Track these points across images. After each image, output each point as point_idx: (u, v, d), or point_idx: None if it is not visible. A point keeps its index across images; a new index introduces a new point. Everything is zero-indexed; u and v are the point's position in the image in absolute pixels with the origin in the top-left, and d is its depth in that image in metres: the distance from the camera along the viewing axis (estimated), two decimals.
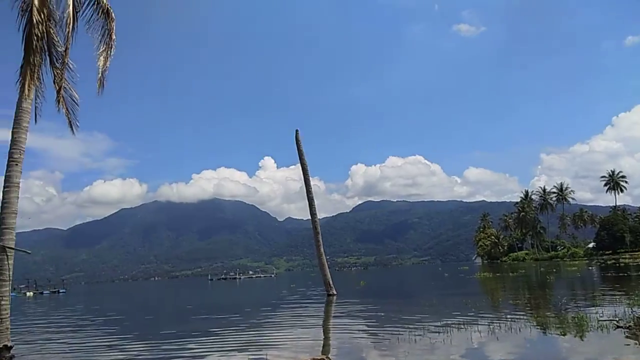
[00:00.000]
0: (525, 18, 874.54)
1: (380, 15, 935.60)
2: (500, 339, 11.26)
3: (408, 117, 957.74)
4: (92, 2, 14.19)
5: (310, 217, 34.56)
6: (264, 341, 13.71)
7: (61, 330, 20.73)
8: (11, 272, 12.63)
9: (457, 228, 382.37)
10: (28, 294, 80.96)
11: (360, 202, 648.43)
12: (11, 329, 12.55)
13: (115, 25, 14.29)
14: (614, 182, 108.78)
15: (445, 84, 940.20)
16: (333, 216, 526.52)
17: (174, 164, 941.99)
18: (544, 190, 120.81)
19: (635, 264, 51.97)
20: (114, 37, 14.14)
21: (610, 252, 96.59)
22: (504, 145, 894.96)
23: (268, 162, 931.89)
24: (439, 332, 12.55)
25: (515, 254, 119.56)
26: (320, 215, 33.92)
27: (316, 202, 34.35)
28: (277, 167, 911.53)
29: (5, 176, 12.73)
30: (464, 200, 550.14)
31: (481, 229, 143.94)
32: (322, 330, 16.39)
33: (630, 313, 12.79)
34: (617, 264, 53.69)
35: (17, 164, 12.83)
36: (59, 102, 13.91)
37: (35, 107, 13.80)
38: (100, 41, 14.02)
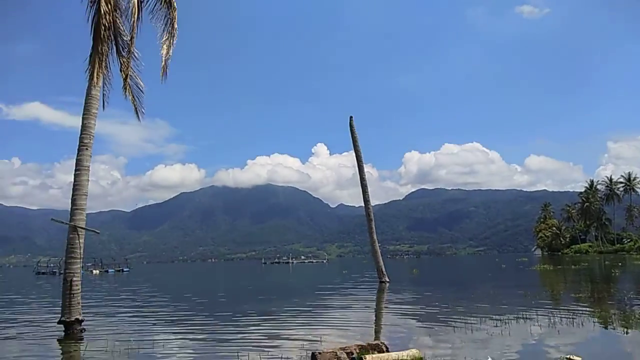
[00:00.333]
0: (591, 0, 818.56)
1: None
2: (561, 333, 10.82)
3: (466, 103, 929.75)
4: None
5: (363, 204, 34.48)
6: (318, 325, 13.88)
7: (127, 306, 21.99)
8: (82, 251, 13.48)
9: (516, 218, 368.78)
10: (94, 272, 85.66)
11: (413, 189, 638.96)
12: (81, 304, 13.40)
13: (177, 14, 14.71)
14: None
15: (506, 69, 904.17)
16: (385, 203, 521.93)
17: (230, 150, 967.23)
18: (611, 179, 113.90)
19: None
20: (176, 26, 14.57)
21: None
22: (568, 133, 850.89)
23: (321, 148, 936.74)
24: (496, 324, 12.22)
25: (578, 246, 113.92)
26: (373, 202, 33.69)
27: (369, 189, 34.20)
28: (330, 154, 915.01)
29: (77, 160, 13.50)
30: (524, 190, 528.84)
31: (542, 220, 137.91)
32: (374, 317, 16.42)
33: None
34: None
35: (87, 149, 13.59)
36: (125, 90, 14.55)
37: (103, 94, 14.51)
38: (163, 30, 14.49)
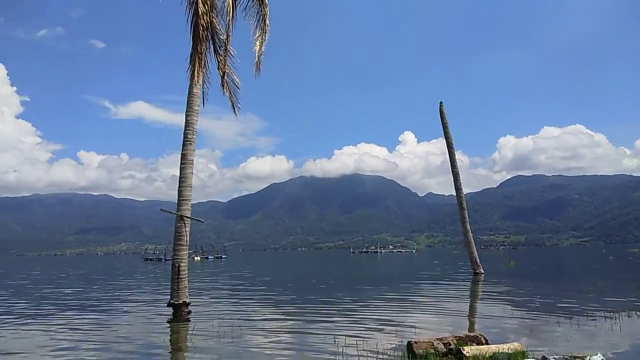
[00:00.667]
0: None
1: None
2: None
3: (566, 83, 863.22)
4: None
5: (453, 193, 33.42)
6: (410, 315, 13.81)
7: (228, 290, 23.40)
8: (188, 238, 14.50)
9: (625, 206, 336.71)
10: (196, 258, 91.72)
11: (509, 176, 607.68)
12: (187, 287, 14.44)
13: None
14: None
15: (611, 44, 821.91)
16: (478, 192, 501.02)
17: (317, 141, 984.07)
18: None
19: None
20: (267, 22, 15.06)
21: None
22: None
23: (408, 136, 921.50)
24: (605, 318, 11.39)
25: None
26: (465, 190, 32.56)
27: (460, 176, 33.04)
28: (418, 142, 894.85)
29: (182, 154, 14.51)
30: (634, 175, 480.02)
31: None
32: (468, 308, 15.95)
33: None
34: None
35: (190, 143, 14.55)
36: (223, 87, 15.36)
37: (203, 92, 15.39)
38: (256, 27, 15.05)
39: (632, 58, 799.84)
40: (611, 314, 11.88)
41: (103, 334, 11.49)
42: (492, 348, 7.68)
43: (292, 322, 12.92)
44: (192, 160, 14.56)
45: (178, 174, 14.38)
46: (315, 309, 15.17)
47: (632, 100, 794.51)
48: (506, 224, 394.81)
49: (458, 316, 13.67)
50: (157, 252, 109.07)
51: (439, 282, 26.29)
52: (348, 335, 10.15)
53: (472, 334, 8.43)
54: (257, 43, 14.95)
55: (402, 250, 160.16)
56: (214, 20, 15.14)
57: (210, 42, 15.36)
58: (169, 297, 14.15)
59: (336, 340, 9.15)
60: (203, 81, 15.23)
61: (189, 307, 14.02)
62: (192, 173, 14.53)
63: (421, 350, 7.57)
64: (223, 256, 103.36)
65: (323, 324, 12.10)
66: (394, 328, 11.16)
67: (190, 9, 14.55)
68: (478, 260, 31.06)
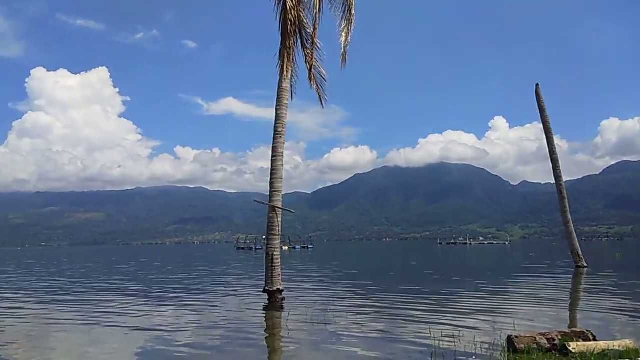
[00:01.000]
0: None
1: None
2: None
3: None
4: None
5: (550, 180, 31.38)
6: (508, 309, 13.27)
7: (318, 278, 23.98)
8: (280, 228, 15.03)
9: None
10: (284, 248, 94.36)
11: (613, 162, 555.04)
12: (281, 275, 14.99)
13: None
14: None
15: None
16: (578, 179, 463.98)
17: (400, 130, 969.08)
18: None
19: None
20: (353, 12, 15.05)
21: None
22: None
23: (499, 122, 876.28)
24: None
25: None
26: (564, 178, 30.43)
27: (559, 163, 30.87)
28: (510, 127, 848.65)
29: (272, 147, 15.03)
30: None
31: None
32: (569, 303, 15.02)
33: None
34: None
35: (280, 136, 15.02)
36: (310, 80, 15.64)
37: (291, 85, 15.76)
38: (342, 18, 15.12)
39: None
40: None
41: (214, 316, 12.76)
42: (601, 345, 7.18)
43: (385, 310, 12.98)
44: (282, 153, 15.01)
45: (266, 166, 14.89)
46: (408, 299, 15.15)
47: None
48: (610, 213, 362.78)
49: (559, 310, 12.93)
50: (249, 241, 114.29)
51: (537, 274, 24.94)
52: (442, 324, 10.01)
53: (578, 329, 7.95)
54: (343, 34, 15.01)
55: (494, 242, 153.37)
56: (301, 14, 15.37)
57: (298, 36, 15.63)
58: (263, 283, 14.78)
59: (432, 331, 9.04)
60: (291, 75, 15.58)
61: (283, 293, 14.53)
62: (283, 165, 15.00)
63: (523, 345, 7.28)
64: (310, 246, 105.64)
65: (416, 313, 12.04)
66: (492, 321, 10.82)
67: (278, 4, 14.93)
68: (580, 253, 28.97)
